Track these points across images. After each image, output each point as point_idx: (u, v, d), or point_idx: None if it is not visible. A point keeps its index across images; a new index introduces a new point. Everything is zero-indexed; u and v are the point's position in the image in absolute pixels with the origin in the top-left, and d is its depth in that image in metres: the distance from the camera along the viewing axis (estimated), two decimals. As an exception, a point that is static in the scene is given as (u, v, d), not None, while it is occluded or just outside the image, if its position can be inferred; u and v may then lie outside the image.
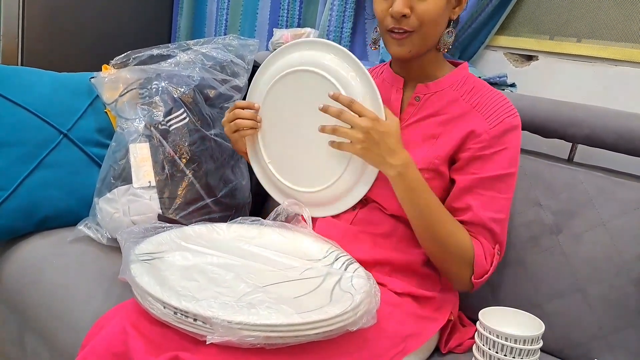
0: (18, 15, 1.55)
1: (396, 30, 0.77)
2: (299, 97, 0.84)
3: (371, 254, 0.82)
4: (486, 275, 0.79)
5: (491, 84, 1.17)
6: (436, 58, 0.84)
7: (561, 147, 1.00)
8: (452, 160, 0.81)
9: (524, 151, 1.00)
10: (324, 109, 0.76)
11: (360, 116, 0.74)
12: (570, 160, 0.99)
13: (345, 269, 0.74)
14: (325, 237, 0.82)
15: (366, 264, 0.78)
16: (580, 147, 0.98)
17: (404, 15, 0.76)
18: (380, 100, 0.78)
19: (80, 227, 1.01)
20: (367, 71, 0.79)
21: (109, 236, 0.98)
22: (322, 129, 0.77)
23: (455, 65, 0.87)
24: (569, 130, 0.95)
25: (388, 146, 0.74)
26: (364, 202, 0.84)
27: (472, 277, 0.78)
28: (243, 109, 0.89)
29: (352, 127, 0.74)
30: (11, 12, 1.54)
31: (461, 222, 0.79)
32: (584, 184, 0.90)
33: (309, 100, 0.81)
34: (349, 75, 0.79)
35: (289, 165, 0.89)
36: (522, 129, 0.98)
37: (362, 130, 0.73)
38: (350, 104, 0.75)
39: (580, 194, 0.89)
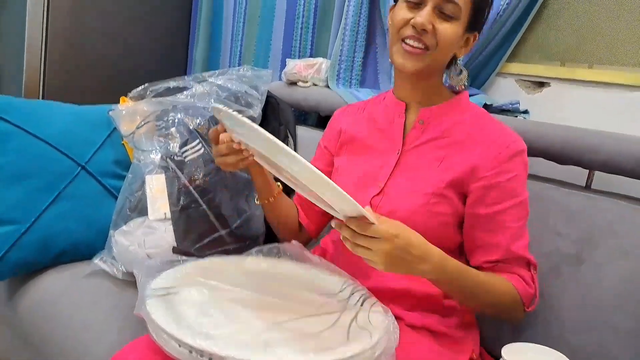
0: (40, 49, 1.61)
1: (411, 41, 0.78)
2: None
3: (389, 284, 0.81)
4: (536, 299, 0.80)
5: (504, 110, 1.17)
6: (438, 85, 0.86)
7: (577, 174, 0.98)
8: (460, 188, 0.80)
9: (540, 178, 0.99)
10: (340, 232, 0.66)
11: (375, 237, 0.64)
12: (587, 187, 0.97)
13: (362, 304, 0.73)
14: (341, 268, 0.82)
15: (383, 296, 0.77)
16: (597, 173, 0.96)
17: (425, 30, 0.77)
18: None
19: (96, 261, 1.01)
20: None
21: (124, 270, 0.98)
22: (344, 240, 0.67)
23: (456, 93, 0.89)
24: (585, 157, 0.94)
25: (414, 256, 0.66)
26: None
27: (524, 308, 0.78)
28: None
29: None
30: (34, 45, 1.60)
31: (495, 261, 0.79)
32: (604, 212, 0.88)
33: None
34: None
35: None
36: (538, 156, 0.98)
37: (382, 254, 0.64)
38: (362, 230, 0.64)
39: (600, 222, 0.87)
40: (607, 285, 0.84)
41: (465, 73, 0.86)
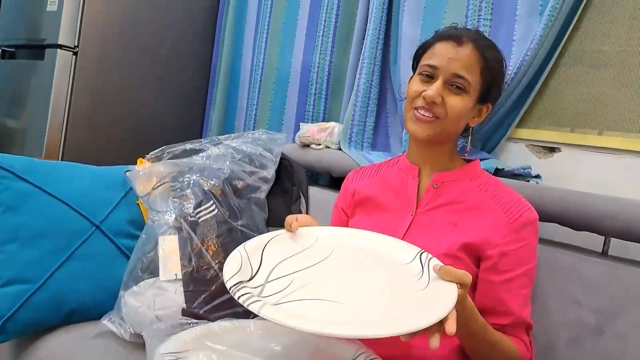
0: (64, 112, 1.69)
1: (422, 111, 0.83)
2: None
3: (403, 351, 0.78)
4: None
5: (516, 175, 1.18)
6: (450, 153, 0.90)
7: (593, 240, 0.97)
8: (474, 253, 0.81)
9: (555, 244, 0.98)
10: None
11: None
12: (604, 253, 0.95)
13: (375, 376, 0.70)
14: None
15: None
16: (613, 240, 0.95)
17: (434, 102, 0.82)
18: None
19: (104, 321, 0.99)
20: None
21: (131, 331, 0.97)
22: None
23: (468, 161, 0.92)
24: (602, 224, 0.93)
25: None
26: None
27: None
28: None
29: None
30: (59, 108, 1.68)
31: (504, 324, 0.79)
32: (623, 280, 0.86)
33: None
34: None
35: None
36: (553, 222, 0.98)
37: None
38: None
39: (621, 291, 0.85)
40: (631, 358, 0.80)
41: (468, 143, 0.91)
